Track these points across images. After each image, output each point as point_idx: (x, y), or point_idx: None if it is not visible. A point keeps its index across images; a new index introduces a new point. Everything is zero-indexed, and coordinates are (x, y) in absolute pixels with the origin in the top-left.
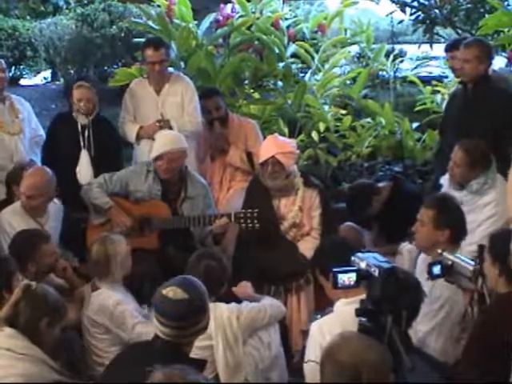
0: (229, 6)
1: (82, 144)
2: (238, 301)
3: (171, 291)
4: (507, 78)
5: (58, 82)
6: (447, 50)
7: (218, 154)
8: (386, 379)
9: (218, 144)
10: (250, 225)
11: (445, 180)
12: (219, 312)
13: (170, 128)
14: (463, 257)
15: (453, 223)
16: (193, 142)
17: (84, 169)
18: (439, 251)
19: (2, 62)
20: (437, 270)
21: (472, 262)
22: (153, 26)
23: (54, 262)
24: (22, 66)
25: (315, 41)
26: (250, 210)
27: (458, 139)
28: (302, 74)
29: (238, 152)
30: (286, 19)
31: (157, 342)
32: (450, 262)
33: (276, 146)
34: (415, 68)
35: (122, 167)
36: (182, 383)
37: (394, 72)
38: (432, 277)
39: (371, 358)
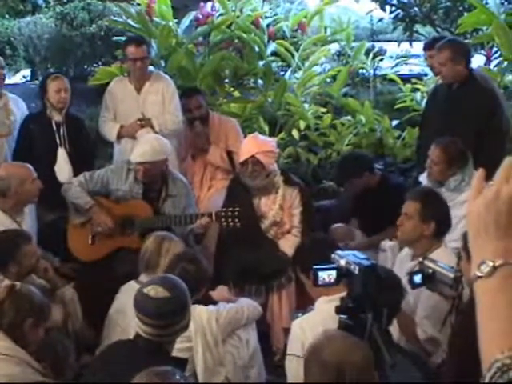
0: (209, 4)
1: (58, 142)
2: (215, 303)
3: (152, 290)
4: (488, 77)
5: (37, 81)
6: (425, 48)
7: (199, 152)
8: (369, 379)
9: (199, 143)
10: (231, 223)
11: (424, 178)
12: (198, 314)
13: (151, 127)
14: (444, 264)
15: (438, 216)
16: (173, 141)
17: (63, 167)
18: (420, 259)
19: (1, 59)
20: (418, 278)
21: (452, 269)
22: (133, 24)
23: (36, 262)
24: None
25: (295, 39)
26: (230, 209)
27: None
28: (282, 73)
29: (219, 151)
30: (266, 17)
31: (138, 341)
32: (430, 271)
33: (256, 146)
34: (395, 66)
35: (96, 165)
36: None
37: (374, 70)
38: (413, 286)
39: (355, 357)
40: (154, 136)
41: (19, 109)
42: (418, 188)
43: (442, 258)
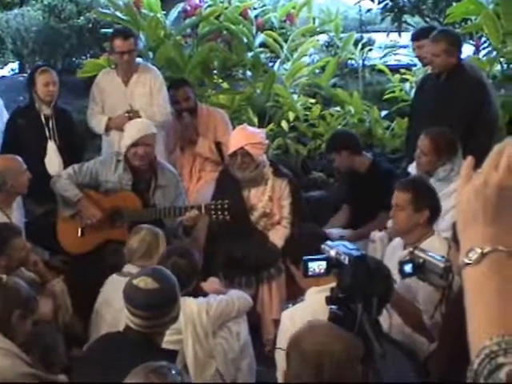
0: None
1: (47, 135)
2: (205, 294)
3: (142, 281)
4: (476, 67)
5: (25, 74)
6: (413, 39)
7: (188, 144)
8: (350, 372)
9: (187, 135)
10: (221, 216)
11: (412, 168)
12: (188, 307)
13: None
14: (434, 254)
15: (431, 202)
16: (162, 133)
17: (53, 160)
18: (410, 249)
19: None
20: (408, 268)
21: (443, 259)
22: (121, 16)
23: (25, 255)
24: None
25: (284, 30)
26: (220, 202)
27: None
28: (270, 64)
29: (207, 142)
30: (255, 9)
31: (128, 333)
32: (421, 260)
33: (245, 137)
34: (384, 56)
35: (85, 158)
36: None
37: (363, 61)
38: (403, 275)
39: (335, 348)
40: (136, 119)
41: None
42: (406, 178)
43: (436, 246)
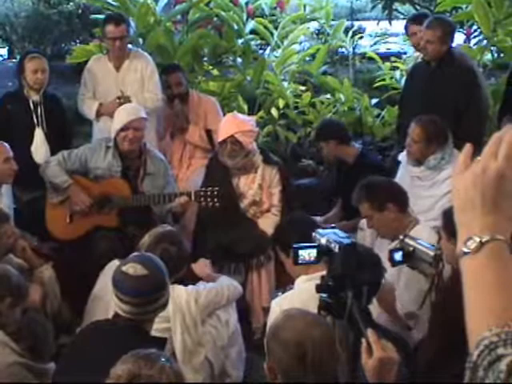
0: None
1: (35, 122)
2: (197, 279)
3: (131, 268)
4: (467, 55)
5: (14, 60)
6: (408, 25)
7: (178, 132)
8: (332, 355)
9: (178, 122)
10: (210, 203)
11: (403, 156)
12: (177, 295)
13: None
14: (424, 242)
15: (386, 195)
16: (153, 120)
17: (39, 147)
18: (401, 237)
19: None
20: (398, 256)
21: (433, 247)
22: (111, 2)
23: (13, 242)
24: None
25: (274, 17)
26: (210, 189)
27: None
28: (261, 51)
29: (198, 130)
30: None
31: (117, 320)
32: (411, 248)
33: (235, 125)
34: (374, 44)
35: (75, 144)
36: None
37: (353, 48)
38: (393, 263)
39: (315, 334)
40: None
41: None
42: (355, 191)
43: (422, 234)
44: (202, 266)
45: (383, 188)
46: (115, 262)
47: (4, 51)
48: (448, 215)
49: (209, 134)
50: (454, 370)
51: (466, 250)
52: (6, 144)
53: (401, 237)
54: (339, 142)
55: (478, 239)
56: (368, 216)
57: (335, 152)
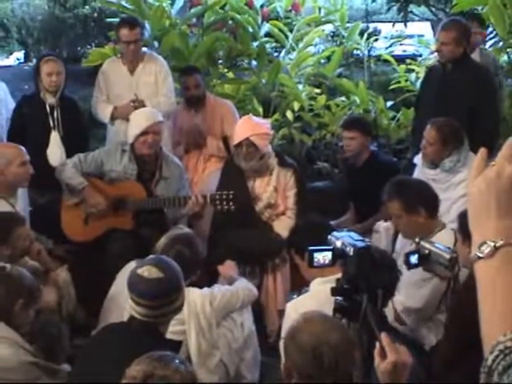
0: None
1: (51, 125)
2: (213, 281)
3: (146, 270)
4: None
5: (30, 63)
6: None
7: (193, 147)
8: (349, 360)
9: (193, 138)
10: (226, 207)
11: (418, 159)
12: (192, 298)
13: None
14: (440, 245)
15: (421, 199)
16: (168, 123)
17: (55, 150)
18: (416, 239)
19: None
20: (414, 259)
21: (449, 250)
22: (126, 5)
23: (29, 244)
24: None
25: (289, 20)
26: (225, 192)
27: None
28: (276, 53)
29: (215, 141)
30: None
31: (132, 323)
32: (426, 251)
33: (250, 128)
34: (389, 46)
35: (90, 147)
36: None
37: (369, 51)
38: (409, 266)
39: (332, 338)
40: (141, 109)
41: (2, 89)
42: (385, 188)
43: (443, 238)
44: (228, 268)
45: (416, 190)
46: (133, 264)
47: (20, 54)
48: (463, 218)
49: (225, 140)
50: (470, 373)
51: (479, 254)
52: (23, 147)
53: (417, 239)
54: (365, 133)
55: (491, 244)
56: (396, 215)
57: (357, 143)
